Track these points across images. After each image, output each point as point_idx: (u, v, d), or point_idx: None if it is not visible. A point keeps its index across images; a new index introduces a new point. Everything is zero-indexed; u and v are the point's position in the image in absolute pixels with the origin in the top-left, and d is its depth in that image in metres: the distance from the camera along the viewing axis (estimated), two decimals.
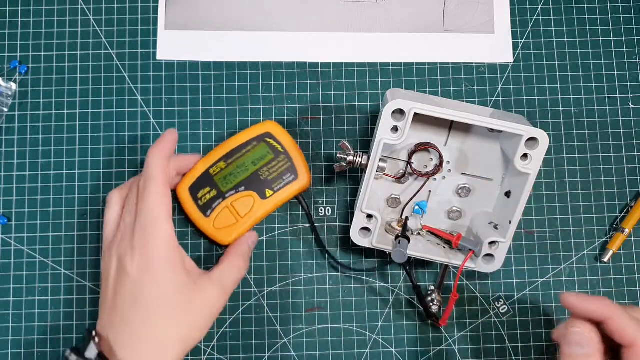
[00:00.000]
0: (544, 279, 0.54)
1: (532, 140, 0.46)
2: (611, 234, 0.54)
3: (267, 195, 0.51)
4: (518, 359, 0.53)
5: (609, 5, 0.57)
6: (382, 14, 0.57)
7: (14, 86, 0.54)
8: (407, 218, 0.51)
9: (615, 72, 0.56)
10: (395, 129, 0.46)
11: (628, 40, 0.57)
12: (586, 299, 0.42)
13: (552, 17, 0.57)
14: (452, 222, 0.52)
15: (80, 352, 0.43)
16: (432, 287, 0.53)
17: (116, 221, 0.48)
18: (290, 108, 0.55)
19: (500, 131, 0.48)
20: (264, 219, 0.53)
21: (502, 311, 0.54)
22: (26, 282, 0.53)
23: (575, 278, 0.54)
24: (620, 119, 0.56)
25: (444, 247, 0.50)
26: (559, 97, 0.56)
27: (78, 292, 0.53)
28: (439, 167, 0.50)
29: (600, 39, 0.57)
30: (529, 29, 0.57)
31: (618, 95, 0.56)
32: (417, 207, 0.51)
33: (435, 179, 0.51)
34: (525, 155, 0.46)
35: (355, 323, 0.53)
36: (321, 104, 0.55)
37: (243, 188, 0.51)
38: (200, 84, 0.55)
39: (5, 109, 0.54)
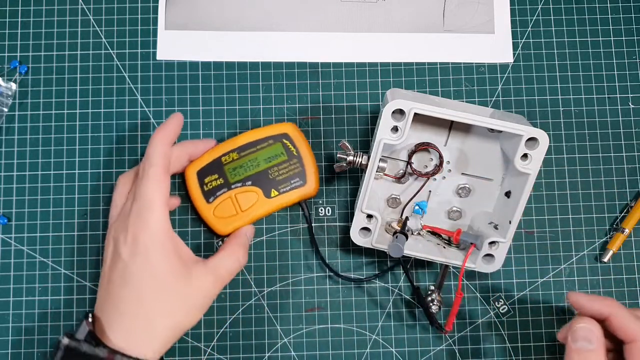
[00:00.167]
0: (544, 279, 0.54)
1: (532, 140, 0.46)
2: (611, 234, 0.54)
3: (272, 195, 0.51)
4: (518, 359, 0.53)
5: (609, 5, 0.57)
6: (382, 14, 0.57)
7: (14, 86, 0.54)
8: (407, 218, 0.51)
9: (615, 72, 0.56)
10: (395, 129, 0.46)
11: (628, 40, 0.57)
12: (592, 297, 0.45)
13: (552, 17, 0.57)
14: (452, 222, 0.52)
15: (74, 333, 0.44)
16: (432, 287, 0.53)
17: (119, 203, 0.49)
18: (290, 108, 0.55)
19: (500, 131, 0.48)
20: (263, 217, 0.53)
21: (502, 311, 0.54)
22: (26, 282, 0.53)
23: (575, 278, 0.54)
24: (620, 119, 0.56)
25: (444, 247, 0.50)
26: (559, 97, 0.56)
27: (78, 292, 0.53)
28: (439, 167, 0.50)
29: (600, 39, 0.57)
30: (529, 29, 0.57)
31: (618, 95, 0.56)
32: (417, 207, 0.51)
33: (435, 179, 0.51)
34: (525, 155, 0.46)
35: (355, 323, 0.53)
36: (321, 104, 0.55)
37: (250, 183, 0.51)
38: (200, 84, 0.55)
39: (5, 109, 0.54)
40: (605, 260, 0.54)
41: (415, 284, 0.53)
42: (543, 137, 0.46)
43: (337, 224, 0.54)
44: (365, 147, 0.55)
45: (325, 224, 0.54)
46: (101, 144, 0.54)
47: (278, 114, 0.55)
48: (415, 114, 0.45)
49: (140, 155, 0.54)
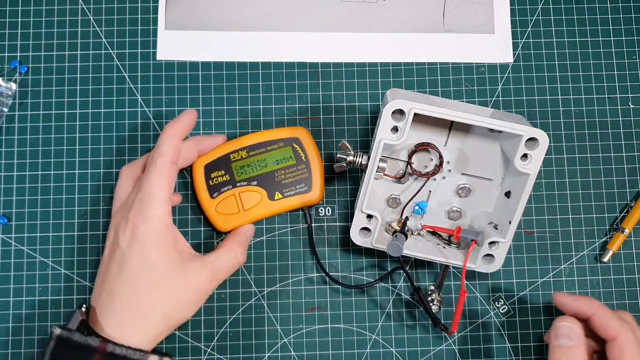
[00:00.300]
0: (544, 279, 0.54)
1: (532, 140, 0.46)
2: (611, 234, 0.54)
3: (276, 197, 0.52)
4: (518, 359, 0.53)
5: (609, 5, 0.57)
6: (382, 14, 0.57)
7: (14, 86, 0.54)
8: (406, 218, 0.51)
9: (615, 72, 0.56)
10: (395, 129, 0.46)
11: (628, 40, 0.57)
12: (575, 297, 0.47)
13: (552, 17, 0.57)
14: (452, 222, 0.52)
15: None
16: (432, 287, 0.53)
17: (122, 195, 0.49)
18: (290, 108, 0.55)
19: (500, 131, 0.48)
20: (264, 218, 0.53)
21: (502, 311, 0.54)
22: (26, 282, 0.53)
23: (575, 278, 0.54)
24: (620, 119, 0.56)
25: (444, 247, 0.50)
26: (559, 97, 0.56)
27: (78, 292, 0.53)
28: (439, 167, 0.50)
29: (600, 39, 0.57)
30: (529, 29, 0.57)
31: (618, 95, 0.56)
32: (417, 207, 0.51)
33: (435, 179, 0.51)
34: (525, 156, 0.46)
35: (355, 323, 0.53)
36: (321, 104, 0.55)
37: (255, 183, 0.51)
38: (200, 84, 0.55)
39: (5, 109, 0.54)
40: (605, 260, 0.54)
41: (415, 284, 0.53)
42: (543, 137, 0.46)
43: (337, 224, 0.54)
44: (365, 147, 0.55)
45: (325, 224, 0.54)
46: (101, 144, 0.54)
47: (278, 114, 0.55)
48: (415, 114, 0.45)
49: (141, 155, 0.54)
